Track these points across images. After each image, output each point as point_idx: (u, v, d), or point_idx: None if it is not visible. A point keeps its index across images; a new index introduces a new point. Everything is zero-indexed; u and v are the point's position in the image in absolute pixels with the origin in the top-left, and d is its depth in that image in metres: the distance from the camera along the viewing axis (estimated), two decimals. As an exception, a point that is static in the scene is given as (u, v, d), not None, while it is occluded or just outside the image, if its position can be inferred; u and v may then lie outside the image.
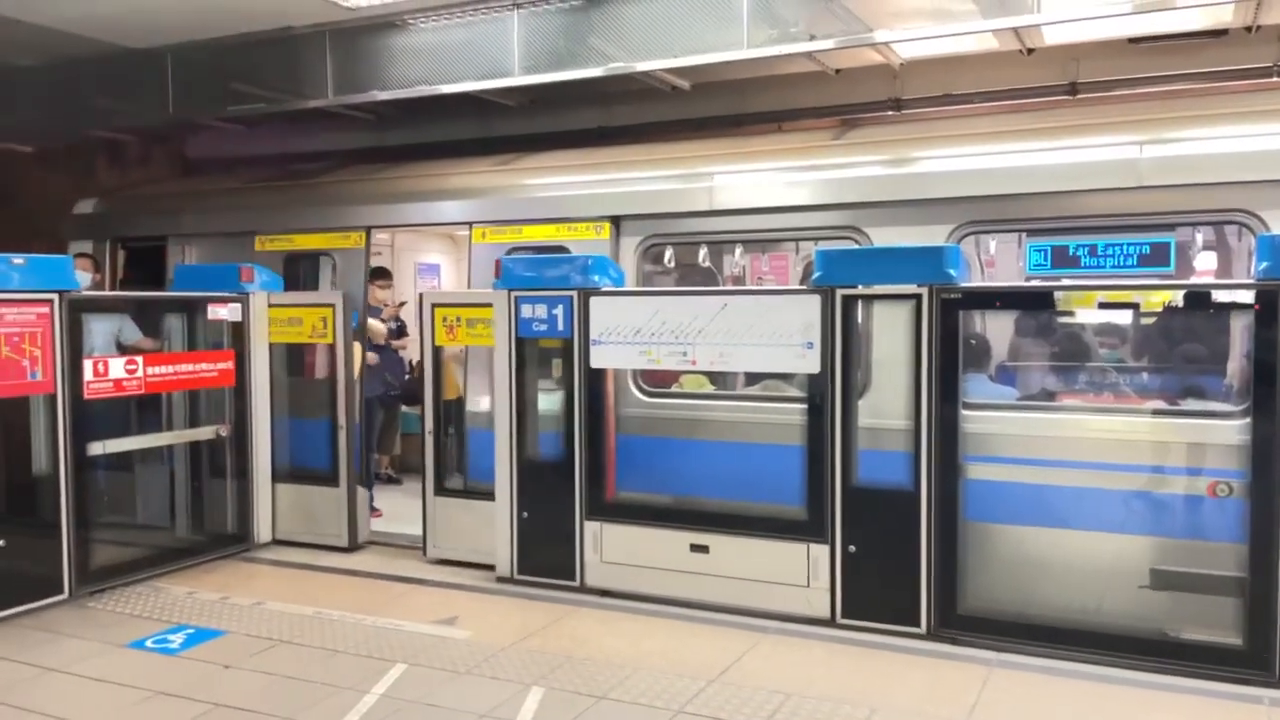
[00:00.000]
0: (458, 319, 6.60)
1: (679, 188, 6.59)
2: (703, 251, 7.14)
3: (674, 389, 6.68)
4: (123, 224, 9.02)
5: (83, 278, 6.49)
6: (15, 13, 7.12)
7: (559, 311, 6.02)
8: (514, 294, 6.13)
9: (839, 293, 5.22)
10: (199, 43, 7.70)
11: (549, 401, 6.25)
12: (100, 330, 6.86)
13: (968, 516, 5.09)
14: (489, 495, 6.29)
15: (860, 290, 5.21)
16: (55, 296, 5.76)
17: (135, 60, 8.03)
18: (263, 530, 7.16)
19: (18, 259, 5.58)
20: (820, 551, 5.33)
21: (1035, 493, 5.07)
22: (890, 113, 7.48)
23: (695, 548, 5.70)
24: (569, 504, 5.99)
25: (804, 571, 5.37)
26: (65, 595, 5.80)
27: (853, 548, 5.25)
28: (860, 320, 5.29)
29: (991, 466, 5.07)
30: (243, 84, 7.83)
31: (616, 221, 6.75)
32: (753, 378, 6.48)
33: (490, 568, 6.30)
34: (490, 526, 6.26)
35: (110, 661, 4.94)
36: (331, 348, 6.92)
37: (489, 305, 6.30)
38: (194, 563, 6.66)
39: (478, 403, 7.05)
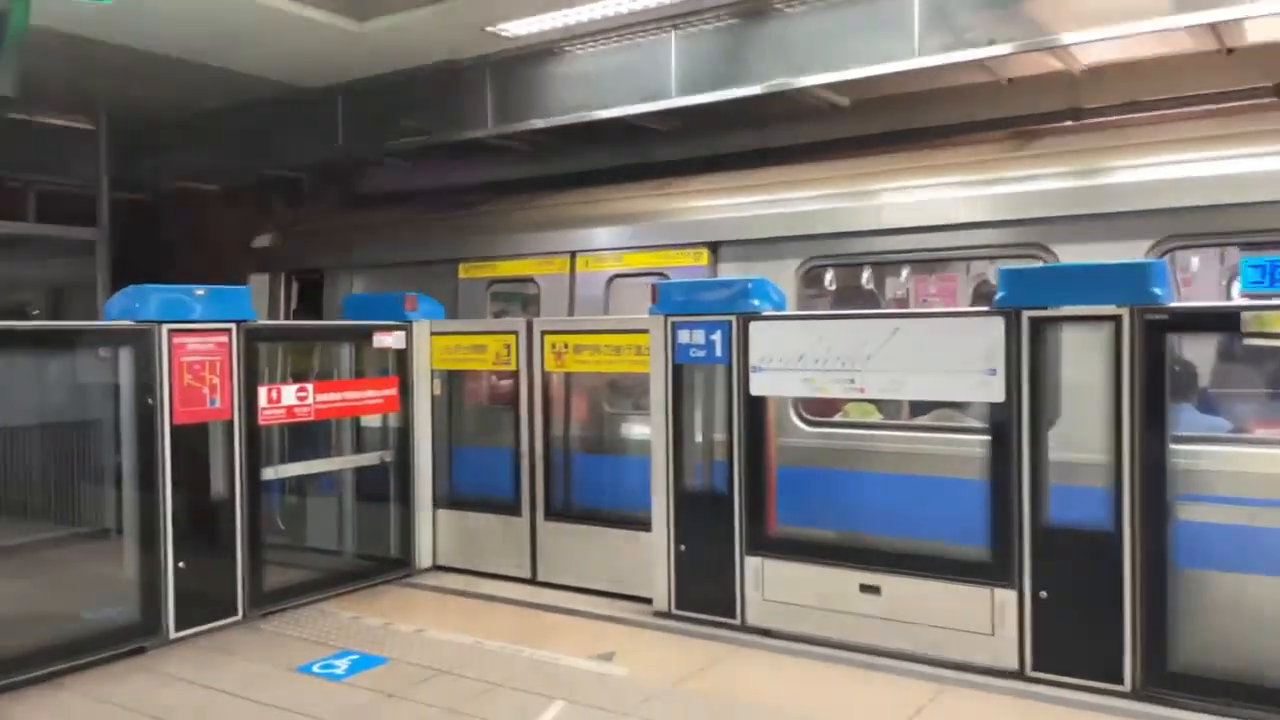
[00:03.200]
0: (565, 346, 6.55)
1: (844, 206, 6.30)
2: (865, 274, 6.82)
3: (837, 418, 6.36)
4: (296, 257, 9.42)
5: None
6: (204, 58, 7.55)
7: (717, 337, 5.81)
8: (670, 320, 5.97)
9: (1026, 314, 4.80)
10: (367, 80, 7.97)
11: (707, 430, 6.04)
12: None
13: (1179, 562, 4.56)
14: (594, 520, 6.45)
15: (1050, 312, 4.78)
16: (233, 326, 5.99)
17: (309, 99, 8.39)
18: (423, 556, 7.23)
19: (199, 290, 5.82)
20: (1006, 596, 4.89)
21: (1260, 536, 4.49)
22: (1069, 123, 6.95)
23: (865, 588, 5.35)
24: (728, 538, 5.75)
25: (988, 618, 4.93)
26: (239, 617, 5.97)
27: (1044, 593, 4.78)
28: (1049, 344, 4.85)
29: (1209, 507, 4.52)
30: (407, 118, 8.05)
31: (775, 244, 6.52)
32: (922, 406, 6.10)
33: (603, 594, 6.28)
34: (599, 552, 6.29)
35: (280, 686, 5.01)
36: (515, 374, 6.93)
37: (599, 332, 6.45)
38: (358, 587, 6.77)
39: (578, 426, 7.08)
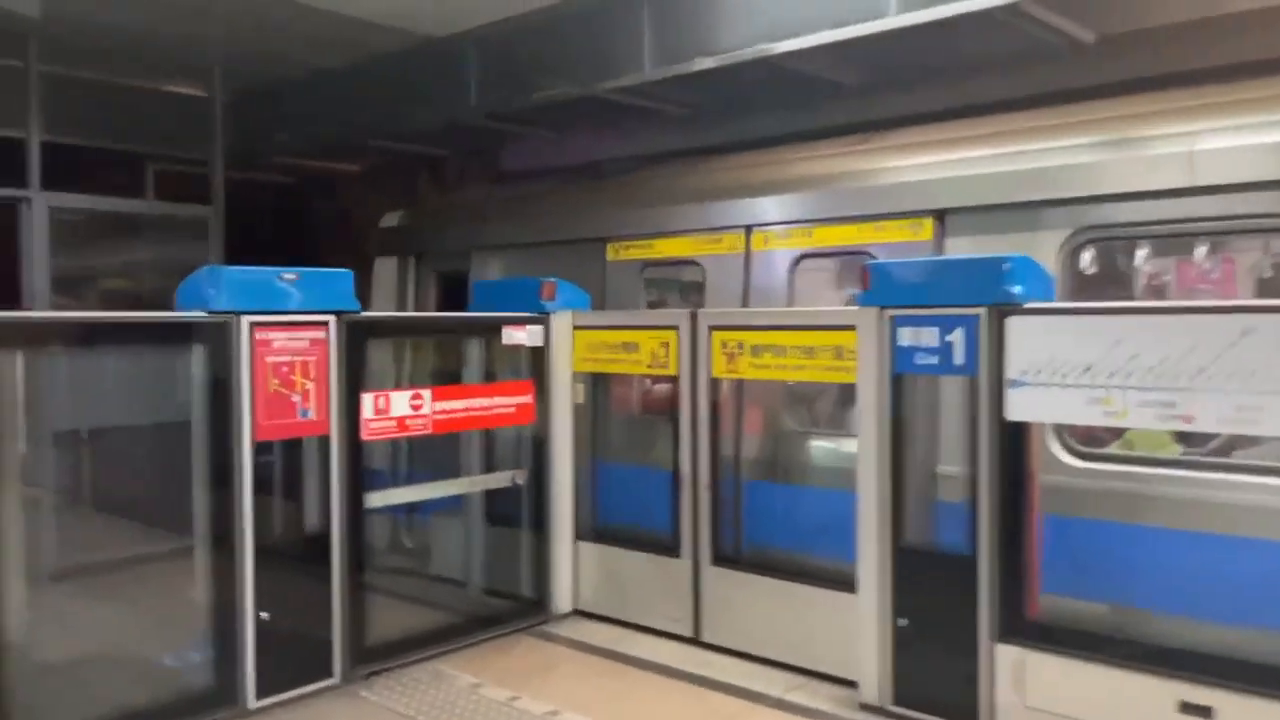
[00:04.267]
0: (739, 345, 5.09)
1: (1136, 156, 4.55)
2: (1142, 252, 5.06)
3: (1114, 448, 4.66)
4: (428, 237, 8.29)
5: None
6: (320, 1, 6.43)
7: (957, 337, 4.22)
8: (888, 313, 4.42)
9: None
10: (501, 23, 6.70)
11: (938, 464, 4.48)
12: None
13: None
14: (775, 569, 5.06)
15: None
16: (332, 318, 4.81)
17: (436, 51, 7.20)
18: (562, 598, 5.93)
19: (288, 274, 4.66)
20: None
21: None
22: None
23: (1189, 708, 3.67)
24: (970, 614, 4.17)
25: None
26: (336, 679, 4.81)
27: None
28: None
29: None
30: (549, 69, 6.72)
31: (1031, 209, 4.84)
32: (1239, 439, 4.33)
33: (787, 667, 4.88)
34: (781, 612, 4.94)
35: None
36: (675, 380, 5.52)
37: (785, 328, 4.99)
38: (483, 638, 5.51)
39: (753, 446, 5.62)
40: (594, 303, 6.22)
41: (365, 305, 8.47)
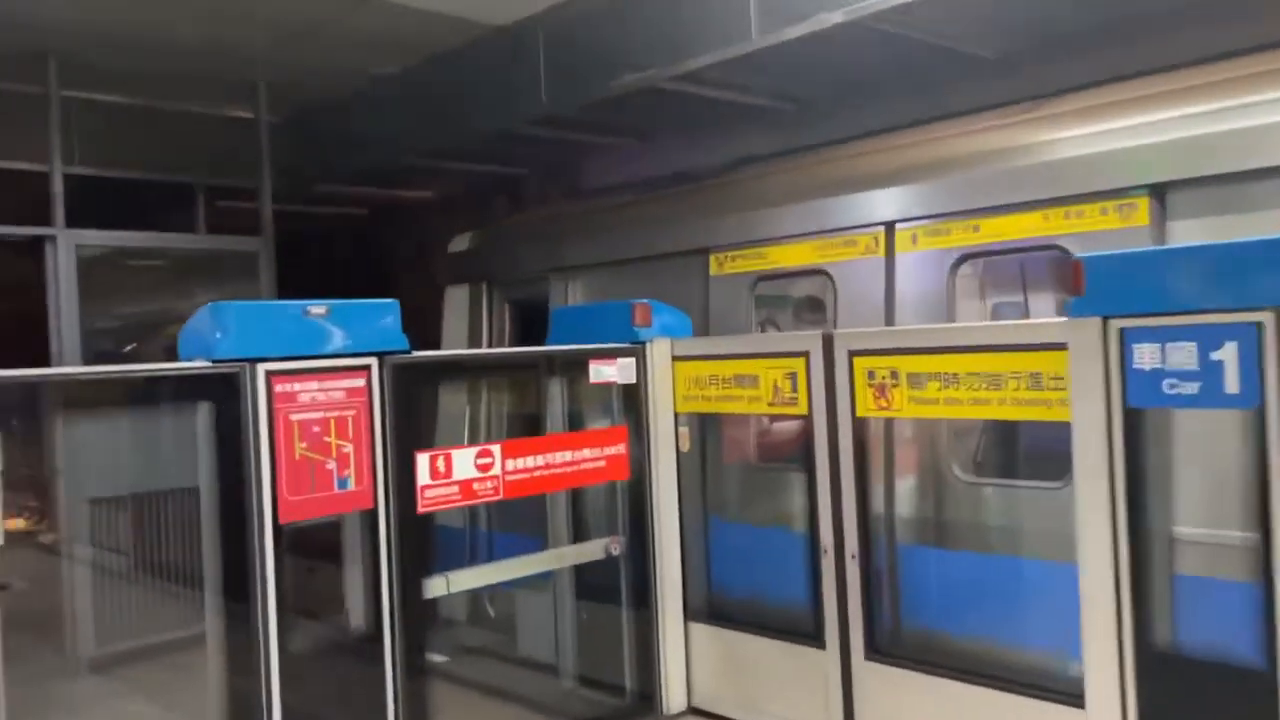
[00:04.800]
0: (891, 375, 3.89)
1: None
2: None
3: None
4: (501, 260, 7.29)
5: None
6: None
7: (1227, 355, 2.98)
8: (1116, 325, 3.20)
9: None
10: (569, 6, 5.71)
11: (1201, 532, 3.22)
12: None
13: None
14: (952, 666, 3.84)
15: None
16: (373, 361, 3.80)
17: (500, 45, 6.24)
18: (674, 693, 4.78)
19: (316, 307, 3.68)
20: None
21: None
22: None
23: None
24: (1268, 752, 2.89)
25: None
26: (392, 817, 3.76)
27: None
28: None
29: None
30: (629, 54, 5.67)
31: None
32: None
33: None
34: None
35: None
36: (807, 420, 4.36)
37: (955, 351, 3.76)
38: (578, 749, 4.43)
39: (909, 498, 4.40)
40: (696, 327, 5.11)
41: (437, 342, 7.63)
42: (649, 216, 6.00)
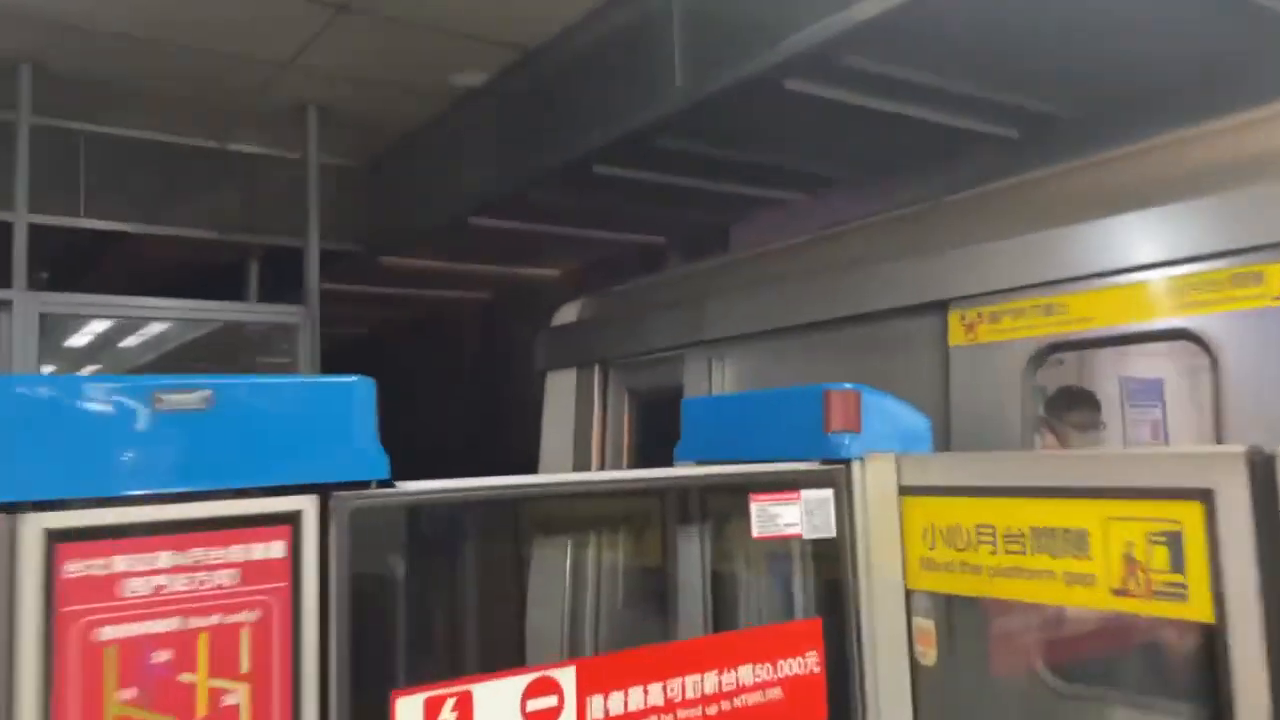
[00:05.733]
0: None
1: None
2: None
3: None
4: (618, 334, 5.32)
5: None
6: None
7: None
8: None
9: None
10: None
11: None
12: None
13: None
14: None
15: None
16: (308, 503, 1.80)
17: (617, 31, 4.39)
18: None
19: (182, 390, 1.72)
20: None
21: None
22: None
23: None
24: None
25: None
26: None
27: None
28: None
29: None
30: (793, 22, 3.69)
31: None
32: None
33: None
34: None
35: None
36: (1212, 630, 2.08)
37: None
38: None
39: None
40: (936, 429, 2.93)
41: (535, 443, 5.73)
42: (840, 257, 3.87)
